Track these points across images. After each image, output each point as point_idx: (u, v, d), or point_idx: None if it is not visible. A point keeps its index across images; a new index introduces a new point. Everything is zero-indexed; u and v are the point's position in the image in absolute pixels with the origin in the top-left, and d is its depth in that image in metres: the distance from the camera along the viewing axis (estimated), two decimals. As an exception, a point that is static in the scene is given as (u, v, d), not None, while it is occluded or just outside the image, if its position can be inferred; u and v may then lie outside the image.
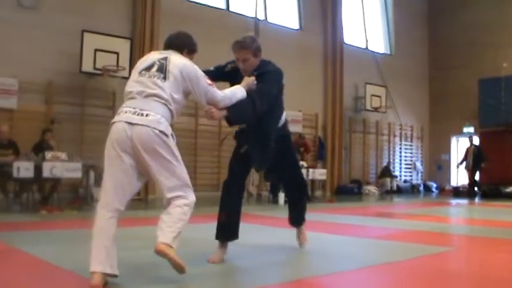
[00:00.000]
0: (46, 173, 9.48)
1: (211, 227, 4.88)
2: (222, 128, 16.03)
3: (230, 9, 17.37)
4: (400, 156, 23.49)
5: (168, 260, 3.80)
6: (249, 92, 4.57)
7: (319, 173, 14.63)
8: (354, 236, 6.62)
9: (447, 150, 24.13)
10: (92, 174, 12.05)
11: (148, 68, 4.06)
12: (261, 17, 17.79)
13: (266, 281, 3.94)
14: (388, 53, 23.21)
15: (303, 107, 18.20)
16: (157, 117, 3.88)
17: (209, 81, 4.32)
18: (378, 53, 22.50)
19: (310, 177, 14.09)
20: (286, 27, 19.00)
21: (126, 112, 3.96)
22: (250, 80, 4.66)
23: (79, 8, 13.70)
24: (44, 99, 13.09)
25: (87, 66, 13.07)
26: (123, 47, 13.68)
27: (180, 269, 3.83)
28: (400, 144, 23.42)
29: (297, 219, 5.54)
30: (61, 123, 12.70)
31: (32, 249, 4.96)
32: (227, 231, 4.80)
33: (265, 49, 16.64)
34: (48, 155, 9.75)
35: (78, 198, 11.68)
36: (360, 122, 21.33)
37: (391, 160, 22.43)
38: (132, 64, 13.74)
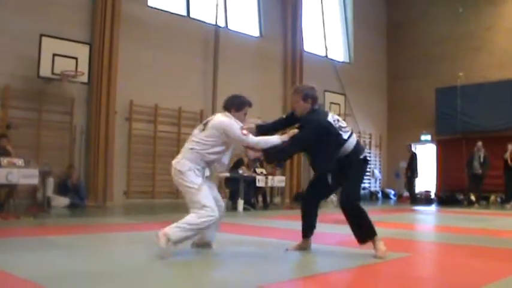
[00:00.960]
0: (1, 180, 9.30)
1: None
2: (181, 135, 15.97)
3: (191, 15, 17.33)
4: (359, 164, 23.63)
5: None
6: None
7: (278, 180, 14.66)
8: (312, 243, 6.64)
9: (405, 158, 24.38)
10: (50, 180, 11.90)
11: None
12: (221, 24, 17.80)
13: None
14: (347, 61, 23.43)
15: (262, 113, 18.11)
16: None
17: (244, 132, 5.49)
18: (337, 61, 22.69)
19: (269, 184, 14.12)
20: (247, 34, 19.04)
21: None
22: (291, 133, 5.66)
23: (37, 11, 13.51)
24: (0, 104, 12.87)
25: (45, 71, 12.88)
26: (82, 52, 13.52)
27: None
28: (359, 152, 23.55)
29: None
30: (18, 129, 12.49)
31: (-13, 257, 4.87)
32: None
33: (225, 55, 16.74)
34: (4, 161, 9.57)
35: (35, 205, 11.50)
36: (319, 130, 21.39)
37: (350, 167, 22.52)
38: (91, 69, 13.65)
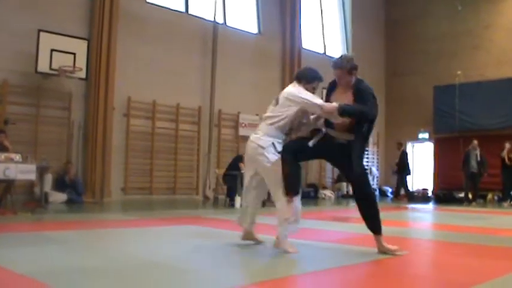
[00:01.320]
0: (-1, 175, 9.30)
1: (168, 230, 4.84)
2: (179, 132, 15.98)
3: (189, 12, 17.31)
4: (357, 161, 23.64)
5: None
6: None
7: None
8: (309, 240, 6.65)
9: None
10: (48, 176, 11.91)
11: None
12: (220, 20, 17.79)
13: (220, 285, 3.93)
14: (346, 58, 23.37)
15: (260, 110, 18.12)
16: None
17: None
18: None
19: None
20: (245, 31, 19.03)
21: None
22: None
23: (35, 7, 13.50)
24: (-3, 99, 12.86)
25: (43, 67, 12.88)
26: (80, 47, 13.54)
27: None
28: (357, 150, 23.57)
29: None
30: (15, 124, 12.47)
31: (-16, 252, 4.87)
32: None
33: (223, 52, 16.74)
34: (2, 156, 9.56)
35: (33, 200, 11.50)
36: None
37: (348, 165, 22.55)
38: (89, 65, 13.65)
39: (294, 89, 5.67)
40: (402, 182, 19.90)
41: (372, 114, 5.48)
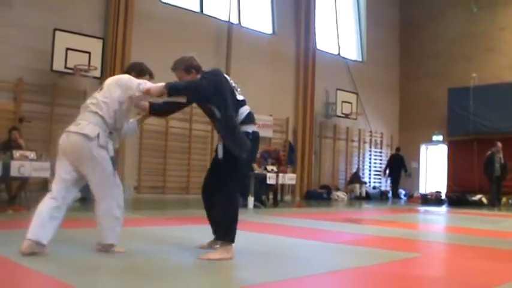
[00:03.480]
0: (14, 172, 9.33)
1: (179, 229, 4.85)
2: (193, 131, 16.02)
3: (204, 12, 17.34)
4: (370, 163, 23.66)
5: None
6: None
7: (288, 178, 14.62)
8: (322, 241, 6.64)
9: (416, 158, 24.36)
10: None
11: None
12: (234, 20, 17.81)
13: (233, 284, 3.93)
14: (360, 60, 23.38)
15: (274, 111, 18.25)
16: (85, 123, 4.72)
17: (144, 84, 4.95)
18: (350, 59, 22.65)
19: (280, 181, 14.10)
20: (259, 32, 19.04)
21: None
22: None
23: (51, 6, 13.58)
24: (12, 97, 12.94)
25: (58, 65, 12.96)
26: (95, 46, 13.60)
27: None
28: (370, 151, 23.58)
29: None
30: (30, 122, 12.54)
31: (-2, 249, 4.90)
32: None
33: (237, 52, 16.76)
34: (16, 153, 9.61)
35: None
36: (330, 128, 21.43)
37: (361, 166, 22.59)
38: (104, 64, 13.71)
39: (124, 76, 5.13)
40: (395, 182, 21.56)
41: (205, 88, 5.05)
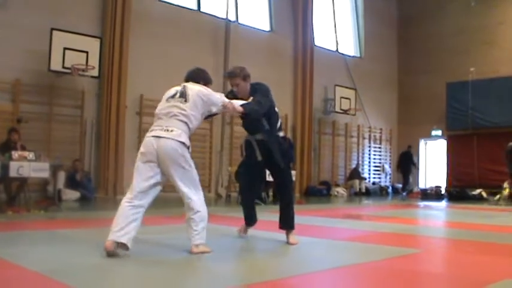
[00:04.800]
0: (13, 173, 9.33)
1: (180, 227, 4.84)
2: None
3: (201, 9, 17.32)
4: (369, 159, 23.66)
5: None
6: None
7: (288, 175, 14.57)
8: (322, 238, 6.64)
9: (415, 153, 24.35)
10: (61, 174, 11.95)
11: (172, 97, 5.16)
12: (232, 18, 17.79)
13: (235, 282, 3.93)
14: (358, 56, 23.36)
15: (273, 108, 18.20)
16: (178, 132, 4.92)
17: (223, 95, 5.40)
18: (348, 55, 22.64)
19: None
20: (257, 29, 19.02)
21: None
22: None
23: (48, 5, 13.55)
24: (10, 98, 12.91)
25: (55, 65, 12.93)
26: (92, 46, 13.57)
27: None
28: (369, 147, 23.59)
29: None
30: (28, 122, 12.53)
31: (-3, 250, 4.89)
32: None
33: (235, 50, 16.72)
34: (15, 154, 9.60)
35: (46, 198, 11.55)
36: (329, 124, 21.43)
37: (360, 162, 22.59)
38: (101, 63, 13.69)
39: (203, 88, 5.27)
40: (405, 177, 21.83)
41: (267, 107, 5.81)
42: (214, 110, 5.27)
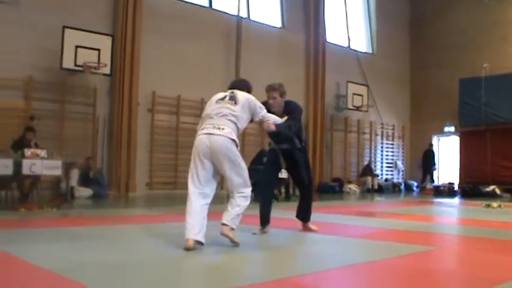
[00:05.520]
0: (26, 170, 9.35)
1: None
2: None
3: (213, 6, 17.31)
4: (382, 155, 23.58)
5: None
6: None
7: (300, 172, 14.54)
8: (336, 235, 6.61)
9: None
10: (74, 171, 11.98)
11: (222, 99, 5.60)
12: (243, 14, 17.77)
13: (249, 280, 3.91)
14: (370, 52, 23.27)
15: (285, 105, 18.16)
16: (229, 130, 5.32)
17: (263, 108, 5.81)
18: (360, 52, 22.57)
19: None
20: (269, 25, 18.99)
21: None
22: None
23: (60, 4, 13.59)
24: (23, 96, 12.97)
25: (67, 63, 12.96)
26: (104, 43, 13.60)
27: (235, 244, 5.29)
28: (382, 143, 23.51)
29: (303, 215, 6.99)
30: (41, 120, 12.56)
31: (10, 248, 4.88)
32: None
33: (247, 47, 16.69)
34: (28, 152, 9.63)
35: (59, 195, 11.58)
36: (341, 121, 21.37)
37: (373, 159, 22.53)
38: (113, 61, 13.70)
39: (251, 96, 5.72)
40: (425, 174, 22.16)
41: (298, 127, 6.57)
42: (256, 118, 5.69)
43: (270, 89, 6.50)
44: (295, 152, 6.64)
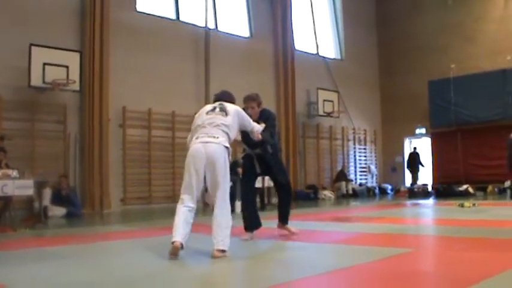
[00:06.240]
0: (-4, 192, 9.22)
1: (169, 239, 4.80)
2: (176, 139, 15.93)
3: (180, 19, 17.28)
4: (355, 160, 23.69)
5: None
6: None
7: (275, 180, 14.54)
8: (313, 242, 6.62)
9: (400, 152, 24.46)
10: (47, 191, 11.81)
11: (212, 110, 5.86)
12: (211, 25, 17.76)
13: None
14: (339, 58, 23.41)
15: (257, 114, 18.17)
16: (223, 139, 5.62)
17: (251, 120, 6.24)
18: (329, 58, 22.68)
19: (265, 184, 14.04)
20: (237, 35, 19.01)
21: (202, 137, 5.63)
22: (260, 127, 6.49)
23: (26, 21, 13.45)
24: (-9, 116, 12.79)
25: (36, 81, 12.83)
26: (72, 60, 13.49)
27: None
28: (354, 148, 23.63)
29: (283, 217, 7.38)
30: (11, 140, 12.39)
31: (-16, 271, 4.81)
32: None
33: (216, 57, 16.72)
34: (-1, 173, 9.50)
35: (32, 216, 11.43)
36: (313, 127, 21.44)
37: (346, 164, 22.62)
38: (82, 77, 13.59)
39: (239, 108, 6.11)
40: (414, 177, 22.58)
41: (275, 134, 7.11)
42: (248, 128, 6.13)
43: (249, 99, 6.90)
44: (267, 156, 6.99)
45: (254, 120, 6.47)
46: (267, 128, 6.69)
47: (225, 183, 5.58)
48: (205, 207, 15.21)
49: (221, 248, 5.32)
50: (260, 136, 6.30)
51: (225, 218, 5.52)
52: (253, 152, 7.01)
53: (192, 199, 5.55)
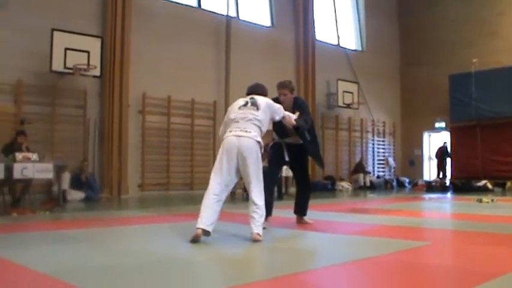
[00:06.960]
0: (17, 175, 9.29)
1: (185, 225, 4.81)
2: (195, 127, 15.98)
3: (202, 6, 17.29)
4: (373, 152, 23.62)
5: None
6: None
7: (293, 170, 14.55)
8: (330, 233, 6.60)
9: (419, 145, 24.35)
10: (66, 174, 11.89)
11: (244, 105, 6.02)
12: (232, 14, 17.75)
13: (247, 279, 3.89)
14: (360, 49, 23.30)
15: (276, 104, 18.16)
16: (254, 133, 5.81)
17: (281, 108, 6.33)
18: (350, 49, 22.60)
19: (284, 174, 14.05)
20: (258, 24, 18.99)
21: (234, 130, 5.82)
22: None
23: (48, 6, 13.54)
24: (13, 100, 12.90)
25: (57, 66, 12.92)
26: (93, 45, 13.58)
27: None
28: (373, 140, 23.55)
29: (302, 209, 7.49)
30: (31, 124, 12.50)
31: (4, 252, 4.84)
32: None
33: (237, 46, 16.71)
34: (19, 156, 9.56)
35: (51, 199, 11.52)
36: (332, 119, 21.39)
37: (364, 156, 22.56)
38: (103, 63, 13.66)
39: (269, 100, 6.24)
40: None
41: (311, 123, 6.97)
42: (277, 118, 6.21)
43: (281, 86, 6.95)
44: (306, 145, 7.00)
45: (287, 108, 6.57)
46: (301, 115, 6.68)
47: (258, 176, 5.74)
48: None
49: (260, 232, 5.57)
50: (293, 121, 6.37)
51: (261, 207, 5.70)
52: (283, 140, 7.08)
53: (220, 187, 5.66)
